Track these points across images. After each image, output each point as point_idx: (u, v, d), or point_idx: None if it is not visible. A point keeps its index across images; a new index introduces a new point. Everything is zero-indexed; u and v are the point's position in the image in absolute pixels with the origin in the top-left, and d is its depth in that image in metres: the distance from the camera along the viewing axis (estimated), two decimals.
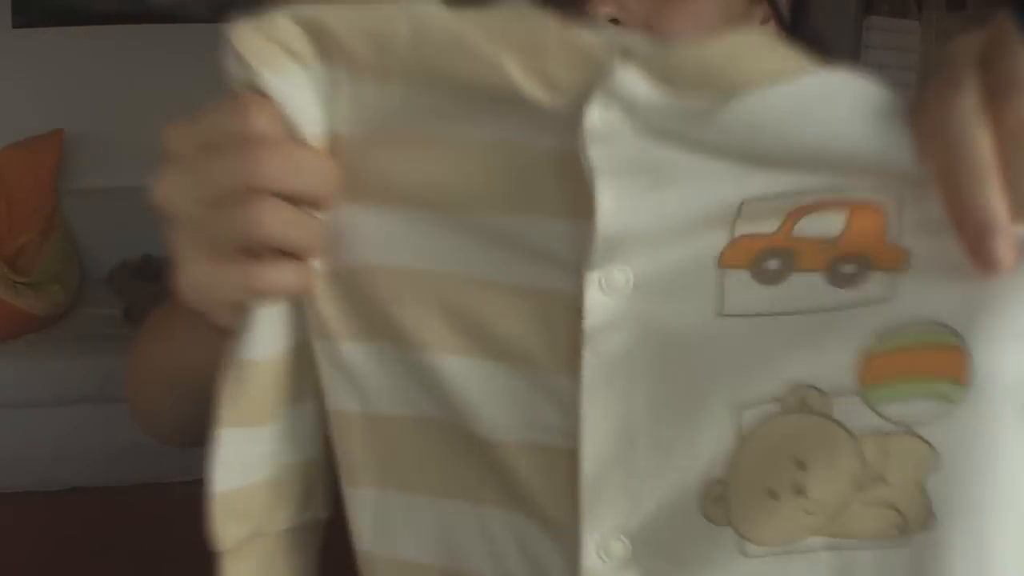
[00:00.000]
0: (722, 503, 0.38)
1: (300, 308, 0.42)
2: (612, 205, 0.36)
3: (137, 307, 2.33)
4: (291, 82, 0.39)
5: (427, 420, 0.43)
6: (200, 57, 3.10)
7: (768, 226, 0.36)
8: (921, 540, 0.35)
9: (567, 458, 0.40)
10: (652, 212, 0.37)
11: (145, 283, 2.46)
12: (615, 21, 0.58)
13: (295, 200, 0.38)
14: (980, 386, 0.34)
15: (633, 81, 0.34)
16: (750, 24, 0.62)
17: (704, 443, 0.38)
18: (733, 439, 0.38)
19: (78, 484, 2.10)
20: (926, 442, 0.35)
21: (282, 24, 0.40)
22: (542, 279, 0.39)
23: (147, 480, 2.03)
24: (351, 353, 0.42)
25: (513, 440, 0.41)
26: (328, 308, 0.41)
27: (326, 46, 0.38)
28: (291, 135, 0.38)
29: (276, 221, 0.37)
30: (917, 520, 0.35)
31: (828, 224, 0.35)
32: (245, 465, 0.43)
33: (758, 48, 0.34)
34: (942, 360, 0.34)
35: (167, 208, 0.38)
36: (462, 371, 0.40)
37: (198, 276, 0.39)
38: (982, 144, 0.30)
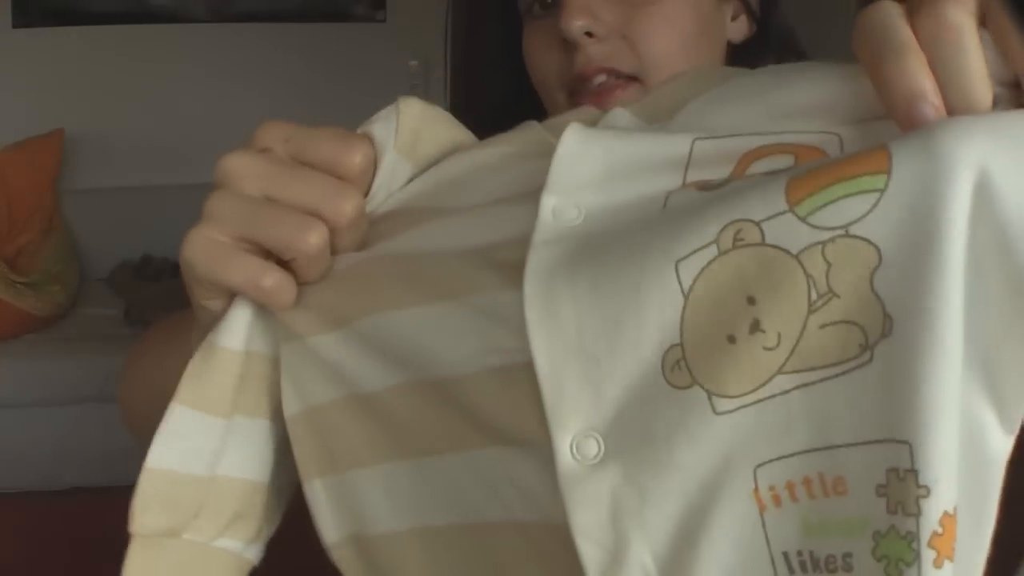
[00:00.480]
0: (682, 365, 0.37)
1: (267, 319, 0.44)
2: (571, 146, 0.41)
3: (137, 307, 2.33)
4: (388, 160, 0.45)
5: (401, 386, 0.43)
6: (200, 57, 3.12)
7: (720, 172, 0.39)
8: (884, 349, 0.35)
9: (526, 371, 0.39)
10: (608, 155, 0.41)
11: (145, 283, 2.47)
12: (589, 35, 0.59)
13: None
14: (900, 169, 0.34)
15: (618, 114, 0.41)
16: (718, 18, 0.64)
17: (651, 311, 0.38)
18: (678, 298, 0.37)
19: (78, 484, 2.10)
20: (864, 239, 0.35)
21: (426, 116, 0.47)
22: (499, 218, 0.42)
23: None
24: (322, 344, 0.43)
25: (473, 370, 0.41)
26: (296, 309, 0.43)
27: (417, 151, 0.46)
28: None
29: (316, 249, 0.41)
30: (875, 328, 0.35)
31: (776, 167, 0.38)
32: (187, 451, 0.44)
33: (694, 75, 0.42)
34: (862, 159, 0.35)
35: (231, 177, 0.41)
36: (421, 321, 0.42)
37: (217, 243, 0.41)
38: (904, 29, 0.34)
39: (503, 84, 0.68)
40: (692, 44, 0.61)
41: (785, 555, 0.37)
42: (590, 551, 0.38)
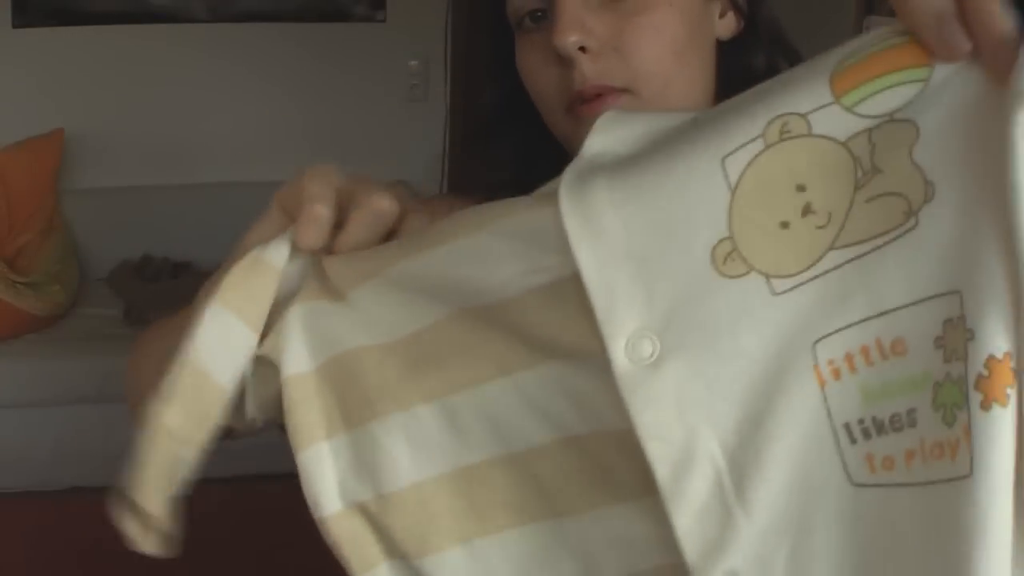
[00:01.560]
0: (735, 256, 0.39)
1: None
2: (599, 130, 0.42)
3: (137, 307, 2.33)
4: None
5: (440, 322, 0.44)
6: (200, 57, 3.11)
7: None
8: (928, 213, 0.36)
9: (573, 283, 0.40)
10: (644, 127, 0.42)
11: (145, 283, 2.46)
12: (583, 49, 0.59)
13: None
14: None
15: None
16: (707, 20, 0.64)
17: (699, 208, 0.39)
18: (725, 191, 0.38)
19: (78, 484, 2.10)
20: (905, 120, 0.36)
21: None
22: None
23: None
24: (359, 296, 0.45)
25: (517, 293, 0.42)
26: (334, 260, 0.46)
27: None
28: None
29: (383, 209, 0.46)
30: (917, 196, 0.36)
31: None
32: (224, 354, 0.45)
33: None
34: (904, 52, 0.37)
35: (315, 183, 0.47)
36: (454, 255, 0.43)
37: (325, 177, 0.47)
38: None
39: (500, 86, 0.69)
40: (683, 50, 0.61)
41: (847, 426, 0.38)
42: (658, 449, 0.39)
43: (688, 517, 0.39)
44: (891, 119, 0.37)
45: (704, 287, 0.39)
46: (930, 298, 0.37)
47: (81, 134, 2.61)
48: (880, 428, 0.38)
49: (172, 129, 2.69)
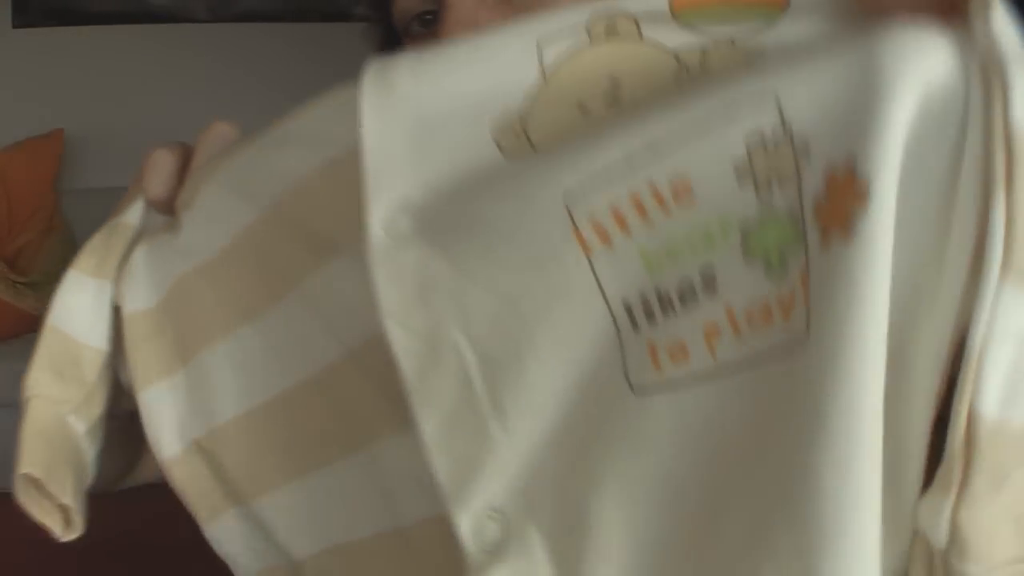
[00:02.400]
0: (521, 135, 0.33)
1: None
2: (374, 130, 0.35)
3: None
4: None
5: (247, 228, 0.40)
6: (200, 57, 3.11)
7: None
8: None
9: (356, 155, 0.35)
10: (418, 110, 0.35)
11: None
12: None
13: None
14: (798, 7, 0.31)
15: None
16: None
17: (502, 81, 0.33)
18: (534, 73, 0.33)
19: None
20: (748, 49, 0.31)
21: None
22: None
23: (147, 480, 2.02)
24: (186, 217, 0.42)
25: (307, 172, 0.38)
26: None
27: None
28: None
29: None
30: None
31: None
32: (82, 312, 0.43)
33: None
34: None
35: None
36: (265, 144, 0.41)
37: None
38: None
39: None
40: None
41: (627, 307, 0.31)
42: (401, 338, 0.33)
43: (434, 427, 0.32)
44: (731, 46, 0.31)
45: (477, 161, 0.33)
46: (719, 114, 0.29)
47: (81, 134, 2.61)
48: (667, 305, 0.30)
49: (172, 129, 2.69)
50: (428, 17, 0.55)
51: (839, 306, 0.27)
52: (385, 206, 0.34)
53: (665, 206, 0.30)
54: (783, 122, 0.28)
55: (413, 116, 0.34)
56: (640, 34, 0.32)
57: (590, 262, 0.31)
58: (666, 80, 0.32)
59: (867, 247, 0.26)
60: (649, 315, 0.30)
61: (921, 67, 0.27)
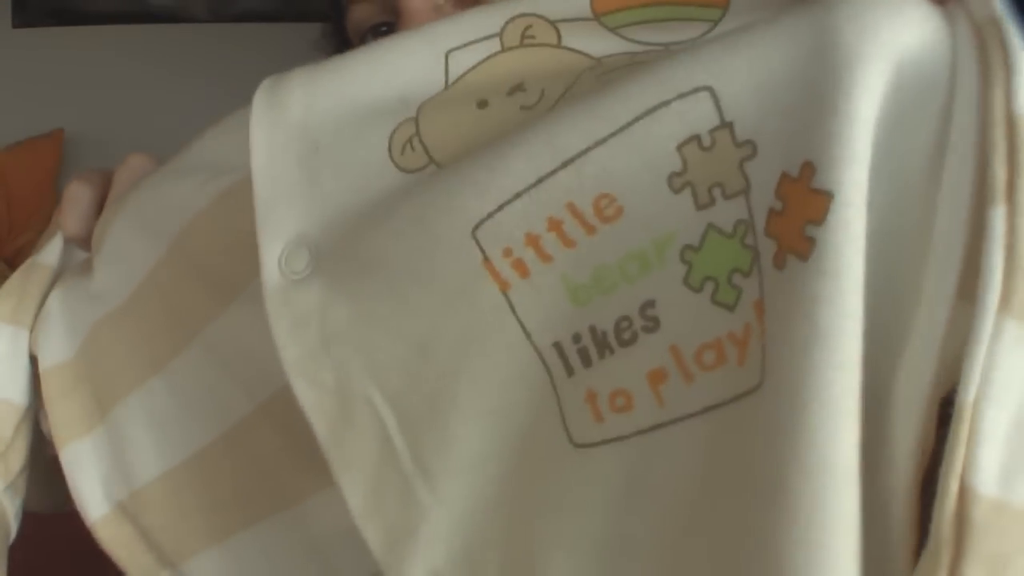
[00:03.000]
0: (415, 143, 0.29)
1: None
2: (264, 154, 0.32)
3: None
4: None
5: (156, 267, 0.37)
6: (200, 57, 3.12)
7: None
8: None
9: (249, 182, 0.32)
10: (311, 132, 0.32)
11: None
12: None
13: None
14: (738, 7, 0.26)
15: None
16: None
17: (394, 83, 0.30)
18: (439, 85, 0.29)
19: None
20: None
21: None
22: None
23: None
24: (98, 256, 0.39)
25: (204, 202, 0.35)
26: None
27: None
28: None
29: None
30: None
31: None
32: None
33: None
34: None
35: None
36: (166, 174, 0.38)
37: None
38: None
39: None
40: None
41: (558, 347, 0.26)
42: (309, 395, 0.29)
43: (359, 493, 0.29)
44: (666, 49, 0.27)
45: (374, 182, 0.29)
46: (642, 118, 0.23)
47: (81, 134, 2.61)
48: (603, 345, 0.25)
49: (172, 129, 2.69)
50: (383, 29, 0.51)
51: (797, 342, 0.21)
52: (280, 242, 0.31)
53: (590, 228, 0.25)
54: (722, 120, 0.23)
55: (306, 138, 0.31)
56: (559, 40, 0.28)
57: (507, 299, 0.26)
58: (580, 76, 0.27)
59: (829, 268, 0.21)
60: (584, 358, 0.25)
61: (892, 41, 0.21)
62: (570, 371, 0.26)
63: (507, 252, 0.25)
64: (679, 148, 0.23)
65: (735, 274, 0.23)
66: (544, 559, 0.26)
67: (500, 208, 0.25)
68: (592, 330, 0.25)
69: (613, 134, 0.23)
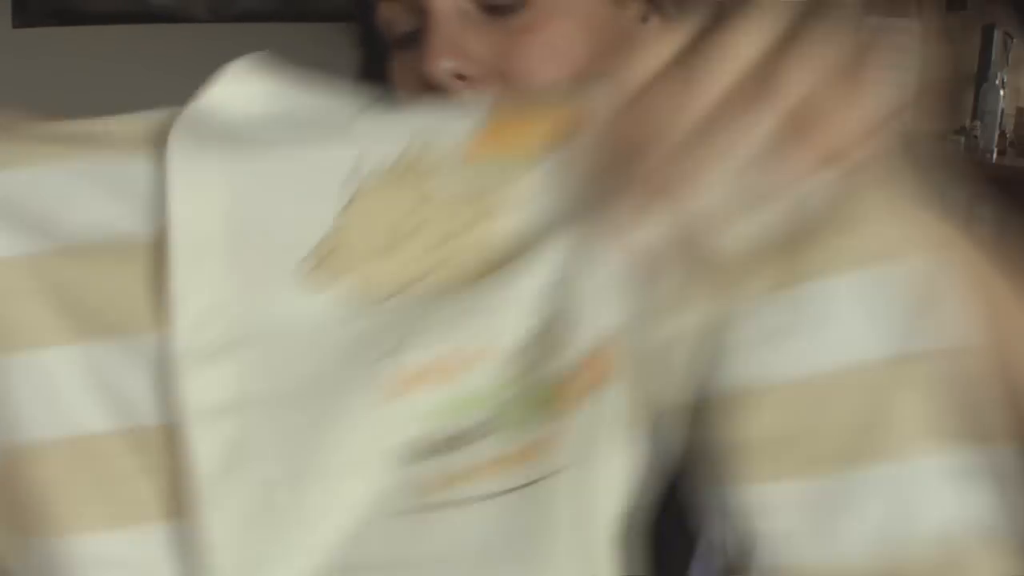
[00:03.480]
0: (332, 272, 0.34)
1: None
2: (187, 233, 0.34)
3: None
4: None
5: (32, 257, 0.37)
6: (200, 57, 3.10)
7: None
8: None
9: (148, 242, 0.34)
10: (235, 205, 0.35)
11: None
12: (461, 77, 0.49)
13: None
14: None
15: None
16: (624, 27, 0.52)
17: (312, 201, 0.34)
18: (344, 202, 0.34)
19: None
20: (488, 204, 0.35)
21: None
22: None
23: None
24: None
25: (84, 241, 0.35)
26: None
27: None
28: None
29: None
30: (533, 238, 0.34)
31: None
32: None
33: None
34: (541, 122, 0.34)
35: None
36: (43, 178, 0.37)
37: None
38: None
39: None
40: (587, 71, 0.49)
41: (413, 442, 0.34)
42: (204, 440, 0.33)
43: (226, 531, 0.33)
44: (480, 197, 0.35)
45: (277, 292, 0.34)
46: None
47: None
48: (453, 443, 0.35)
49: None
50: (412, 34, 0.51)
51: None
52: (193, 315, 0.33)
53: (466, 368, 0.33)
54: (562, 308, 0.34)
55: (225, 218, 0.33)
56: (428, 174, 0.34)
57: (384, 408, 0.33)
58: (473, 208, 0.34)
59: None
60: (435, 450, 0.34)
61: None
62: (420, 458, 0.34)
63: (402, 376, 0.34)
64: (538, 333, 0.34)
65: (534, 411, 0.35)
66: None
67: (403, 348, 0.34)
68: (446, 432, 0.34)
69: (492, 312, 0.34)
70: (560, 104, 0.34)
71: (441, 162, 0.34)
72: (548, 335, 0.33)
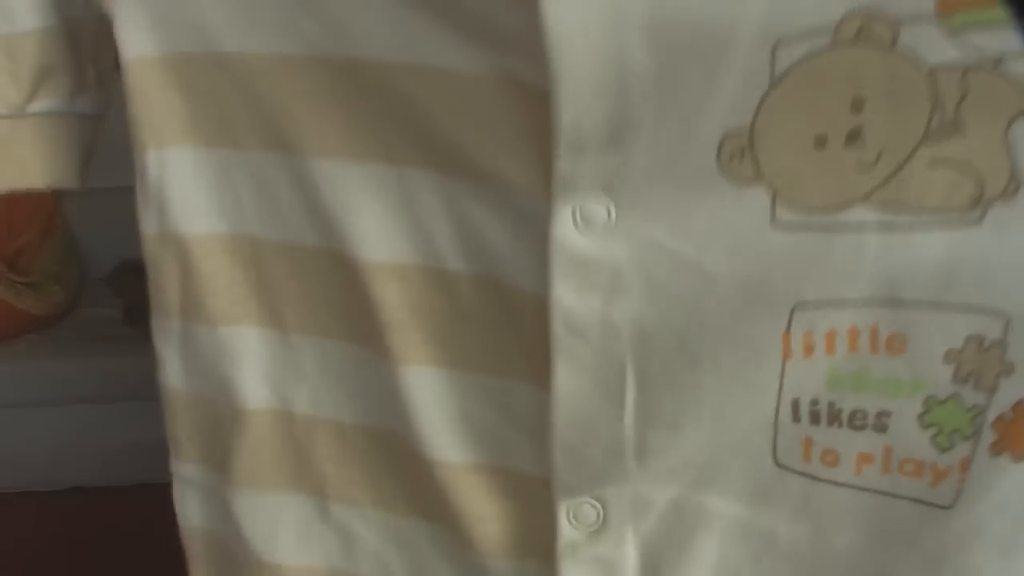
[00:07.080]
0: (748, 157, 0.30)
1: None
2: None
3: (137, 307, 2.33)
4: None
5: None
6: None
7: None
8: (999, 215, 0.29)
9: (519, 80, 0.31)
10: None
11: (145, 283, 2.46)
12: None
13: None
14: None
15: None
16: None
17: (724, 83, 0.29)
18: (763, 80, 0.29)
19: (78, 484, 2.10)
20: (1018, 80, 0.28)
21: None
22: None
23: (147, 480, 2.01)
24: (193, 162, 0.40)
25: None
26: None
27: None
28: None
29: None
30: (996, 185, 0.29)
31: None
32: None
33: None
34: None
35: None
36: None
37: None
38: None
39: None
40: None
41: (795, 402, 0.33)
42: (570, 322, 0.32)
43: (569, 427, 0.33)
44: (998, 64, 0.27)
45: (697, 174, 0.30)
46: (962, 306, 0.30)
47: None
48: (834, 418, 0.32)
49: None
50: None
51: (984, 508, 0.31)
52: (579, 191, 0.31)
53: (875, 348, 0.32)
54: (1003, 342, 0.30)
55: (620, 96, 0.29)
56: (894, 40, 0.28)
57: (783, 367, 0.32)
58: (914, 123, 0.29)
59: None
60: (814, 417, 0.33)
61: None
62: (796, 419, 0.33)
63: (807, 335, 0.32)
64: (966, 337, 0.31)
65: (955, 433, 0.32)
66: (706, 531, 0.34)
67: (827, 304, 0.31)
68: (830, 404, 0.32)
69: (927, 304, 0.31)
70: None
71: (900, 24, 0.28)
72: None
